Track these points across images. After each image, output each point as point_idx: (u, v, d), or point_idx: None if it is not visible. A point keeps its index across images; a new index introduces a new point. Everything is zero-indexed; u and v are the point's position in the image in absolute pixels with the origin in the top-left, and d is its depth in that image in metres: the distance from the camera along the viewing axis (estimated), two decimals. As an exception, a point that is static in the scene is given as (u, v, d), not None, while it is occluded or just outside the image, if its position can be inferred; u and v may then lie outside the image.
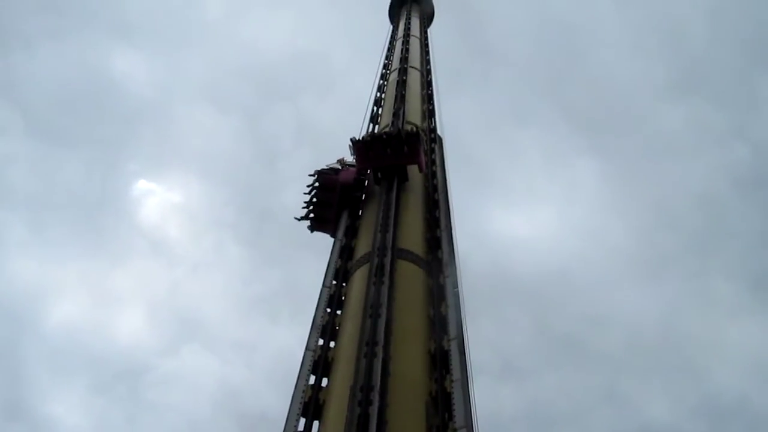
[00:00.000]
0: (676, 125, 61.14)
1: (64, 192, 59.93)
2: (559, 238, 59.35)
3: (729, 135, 59.89)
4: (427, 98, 21.75)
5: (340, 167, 15.44)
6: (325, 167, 15.42)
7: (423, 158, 15.06)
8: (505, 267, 54.87)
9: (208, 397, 53.80)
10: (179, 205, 66.95)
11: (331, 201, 15.01)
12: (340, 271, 13.04)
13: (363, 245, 13.06)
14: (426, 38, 28.66)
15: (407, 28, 27.92)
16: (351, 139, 14.71)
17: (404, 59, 23.55)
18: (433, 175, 16.28)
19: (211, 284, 62.90)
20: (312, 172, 15.33)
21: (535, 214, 63.54)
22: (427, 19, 32.82)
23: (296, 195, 15.69)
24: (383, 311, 10.09)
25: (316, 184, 15.20)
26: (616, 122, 65.92)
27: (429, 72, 24.50)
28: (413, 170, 15.00)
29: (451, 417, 8.82)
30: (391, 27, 30.75)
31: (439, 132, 19.35)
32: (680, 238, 56.74)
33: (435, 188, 15.56)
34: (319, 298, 12.15)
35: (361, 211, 14.99)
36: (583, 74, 68.41)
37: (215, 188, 69.53)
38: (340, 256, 13.54)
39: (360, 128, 17.19)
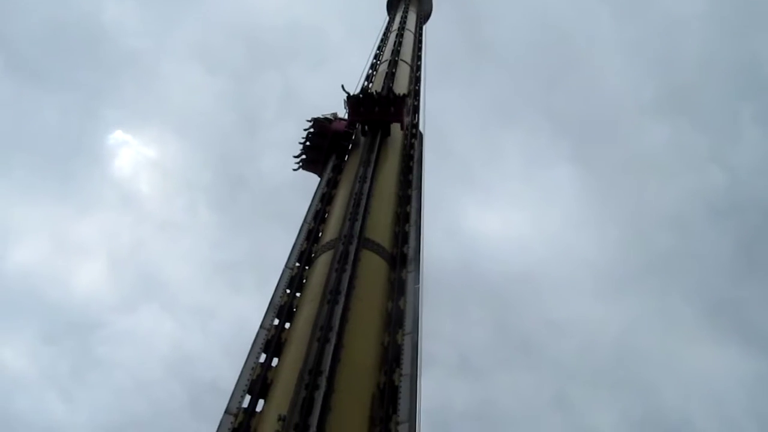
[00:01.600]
0: (658, 143, 62.02)
1: (37, 133, 58.76)
2: (530, 241, 60.10)
3: (707, 160, 60.87)
4: (414, 94, 21.69)
5: (332, 118, 17.31)
6: (320, 116, 17.23)
7: (405, 119, 17.09)
8: (473, 264, 55.56)
9: (159, 358, 53.52)
10: (154, 161, 65.99)
11: (322, 145, 16.89)
12: (304, 253, 12.99)
13: (330, 231, 13.04)
14: (420, 34, 28.60)
15: (403, 22, 27.82)
16: (346, 93, 16.72)
17: (396, 52, 23.45)
18: (410, 170, 16.31)
19: (177, 245, 62.28)
20: (309, 119, 17.19)
21: (509, 215, 64.25)
22: (425, 16, 32.75)
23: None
24: (341, 298, 10.07)
25: (311, 129, 17.07)
26: (600, 132, 66.81)
27: (419, 68, 24.46)
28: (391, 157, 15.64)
29: (395, 410, 8.85)
30: (388, 18, 30.62)
31: (421, 129, 19.34)
32: (647, 256, 57.69)
33: (410, 183, 15.58)
34: (280, 278, 12.11)
35: (346, 159, 16.63)
36: (574, 81, 69.08)
37: (193, 149, 68.96)
38: (307, 238, 13.51)
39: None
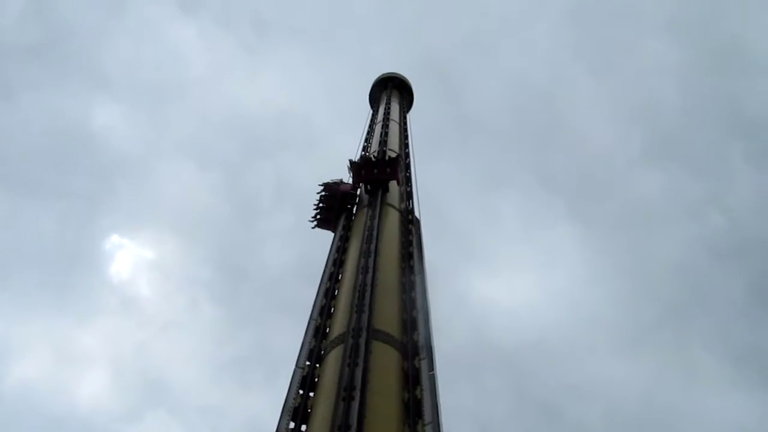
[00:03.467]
0: (653, 192, 62.33)
1: (34, 245, 58.73)
2: (538, 305, 59.43)
3: (704, 204, 61.08)
4: (405, 181, 22.03)
5: (339, 182, 20.20)
6: (329, 181, 20.18)
7: (399, 176, 19.97)
8: (485, 334, 54.68)
9: None
10: (152, 262, 65.83)
11: (333, 205, 19.57)
12: (314, 351, 12.78)
13: (338, 325, 12.89)
14: (405, 123, 29.34)
15: (387, 113, 28.59)
16: (349, 161, 19.70)
17: (383, 143, 24.00)
18: (410, 256, 16.33)
19: (181, 345, 60.93)
20: (320, 183, 20.11)
21: (514, 281, 63.71)
22: (407, 103, 33.67)
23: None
24: (357, 394, 9.84)
25: (323, 192, 19.90)
26: (594, 188, 67.17)
27: (407, 155, 24.96)
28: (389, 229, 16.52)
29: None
30: (371, 111, 31.48)
31: (417, 214, 19.51)
32: (658, 307, 57.18)
33: (412, 269, 15.56)
34: (292, 379, 11.85)
35: (354, 216, 19.09)
36: (561, 140, 70.23)
37: (191, 245, 68.66)
38: (314, 335, 13.32)
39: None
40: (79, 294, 61.20)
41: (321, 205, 19.68)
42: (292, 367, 12.32)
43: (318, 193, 19.95)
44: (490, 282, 63.02)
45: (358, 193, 19.96)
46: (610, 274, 61.97)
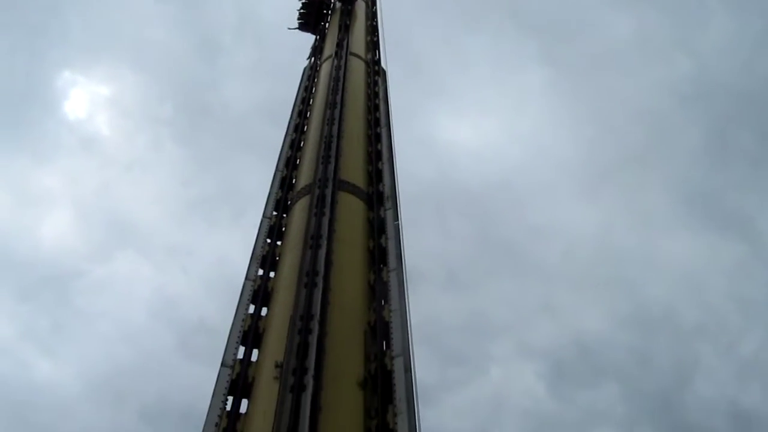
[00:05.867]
0: (623, 36, 61.45)
1: None
2: (505, 148, 60.12)
3: (673, 48, 60.74)
4: (372, 29, 21.33)
5: None
6: None
7: None
8: (451, 176, 55.60)
9: (142, 304, 53.28)
10: (110, 99, 62.97)
11: (312, 11, 23.14)
12: (280, 201, 12.95)
13: (304, 176, 12.98)
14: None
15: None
16: None
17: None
18: (376, 108, 16.18)
19: (146, 185, 60.25)
20: None
21: (482, 123, 63.89)
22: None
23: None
24: (324, 242, 10.10)
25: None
26: (566, 31, 65.78)
27: (374, 3, 23.96)
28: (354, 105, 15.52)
29: (389, 345, 9.04)
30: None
31: (383, 65, 19.12)
32: (621, 151, 58.55)
33: (378, 121, 15.49)
34: (259, 229, 12.09)
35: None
36: None
37: (150, 82, 65.81)
38: (281, 186, 13.45)
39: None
40: (35, 133, 58.36)
41: (302, 10, 23.09)
42: (259, 205, 12.57)
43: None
44: (457, 123, 62.84)
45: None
46: (576, 118, 61.88)
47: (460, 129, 62.11)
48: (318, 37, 21.61)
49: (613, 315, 49.11)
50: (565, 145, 60.01)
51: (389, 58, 19.19)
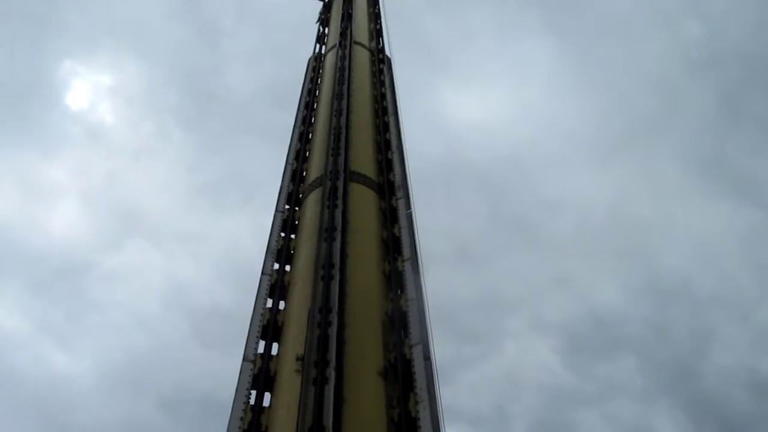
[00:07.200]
0: (629, 3, 60.62)
1: None
2: (513, 122, 58.95)
3: (681, 13, 59.77)
4: (374, 17, 21.27)
5: None
6: None
7: None
8: (459, 152, 55.14)
9: (155, 292, 52.36)
10: (113, 88, 62.20)
11: None
12: (292, 195, 13.03)
13: (315, 168, 13.04)
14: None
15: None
16: None
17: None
18: (383, 96, 16.18)
19: (153, 174, 59.77)
20: None
21: (488, 97, 62.68)
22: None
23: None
24: (338, 235, 10.18)
25: None
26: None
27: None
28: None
29: (407, 334, 9.13)
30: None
31: (387, 53, 19.07)
32: (631, 121, 57.11)
33: (385, 110, 15.50)
34: (273, 223, 12.18)
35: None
36: None
37: (152, 69, 64.03)
38: (292, 179, 13.51)
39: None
40: (39, 126, 57.21)
41: None
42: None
43: None
44: (463, 99, 61.95)
45: None
46: (583, 88, 60.67)
47: (467, 104, 61.34)
48: (322, 16, 21.40)
49: (628, 286, 48.81)
50: (574, 116, 58.91)
51: (392, 36, 19.22)
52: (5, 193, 55.97)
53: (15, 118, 56.32)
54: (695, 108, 55.91)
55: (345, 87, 14.89)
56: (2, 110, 55.39)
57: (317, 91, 16.71)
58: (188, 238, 55.58)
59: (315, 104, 16.25)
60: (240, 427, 8.17)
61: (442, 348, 9.21)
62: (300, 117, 15.82)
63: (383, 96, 16.17)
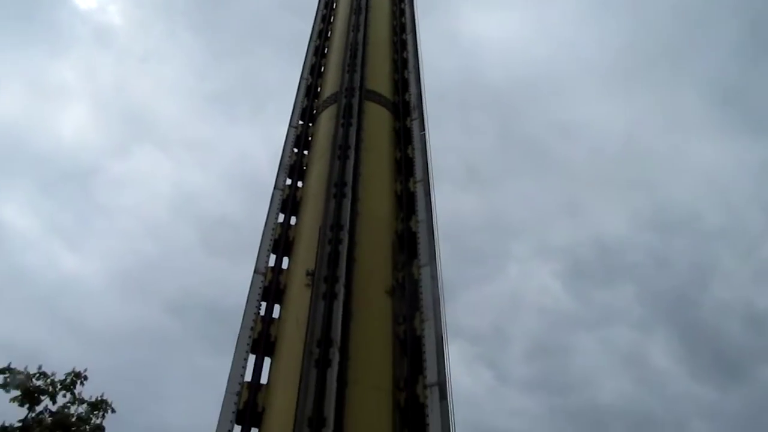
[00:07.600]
0: None
1: None
2: (531, 43, 58.30)
3: None
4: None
5: None
6: None
7: None
8: (475, 71, 54.25)
9: (163, 199, 53.41)
10: None
11: None
12: (306, 110, 12.91)
13: (330, 85, 12.87)
14: None
15: None
16: None
17: None
18: (402, 12, 15.77)
19: (162, 78, 59.70)
20: None
21: (507, 16, 61.57)
22: None
23: None
24: (352, 153, 10.17)
25: None
26: None
27: None
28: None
29: (416, 254, 9.26)
30: None
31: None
32: (652, 49, 55.97)
33: (403, 28, 15.14)
34: (286, 138, 12.13)
35: None
36: None
37: None
38: (306, 95, 13.35)
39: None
40: (47, 24, 56.83)
41: None
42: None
43: None
44: (483, 16, 60.67)
45: None
46: (605, 13, 59.53)
47: (485, 22, 59.77)
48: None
49: (635, 216, 49.04)
50: (593, 39, 57.61)
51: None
52: (12, 92, 55.55)
53: (23, 17, 55.35)
54: (719, 37, 54.30)
55: (363, 0, 14.52)
56: (9, 8, 54.32)
57: (334, 4, 16.26)
58: (197, 145, 55.45)
59: (332, 18, 15.86)
60: (250, 336, 8.43)
61: (446, 268, 9.36)
62: (316, 30, 15.50)
63: (402, 12, 15.75)
